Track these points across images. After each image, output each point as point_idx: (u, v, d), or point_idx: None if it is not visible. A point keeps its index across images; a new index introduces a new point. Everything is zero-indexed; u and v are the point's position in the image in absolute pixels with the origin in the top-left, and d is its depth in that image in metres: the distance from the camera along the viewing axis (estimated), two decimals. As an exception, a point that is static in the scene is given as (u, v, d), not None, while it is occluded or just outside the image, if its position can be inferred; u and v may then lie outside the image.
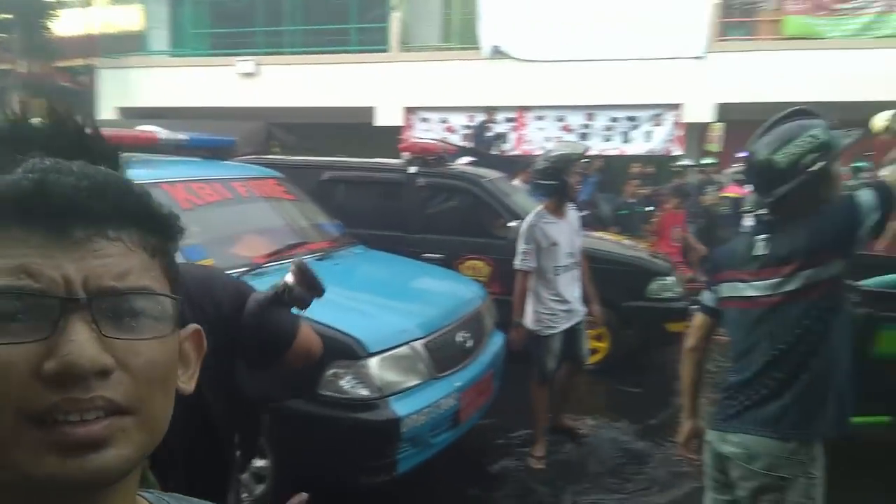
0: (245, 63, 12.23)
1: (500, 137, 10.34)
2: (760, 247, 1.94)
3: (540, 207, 3.79)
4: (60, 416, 0.43)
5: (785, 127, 1.94)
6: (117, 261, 0.48)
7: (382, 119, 11.60)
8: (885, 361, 2.21)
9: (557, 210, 3.74)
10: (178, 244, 0.55)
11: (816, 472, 1.88)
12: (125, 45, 13.98)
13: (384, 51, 11.94)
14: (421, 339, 3.17)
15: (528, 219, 3.75)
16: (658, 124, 10.72)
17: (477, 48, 11.28)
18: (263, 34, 12.92)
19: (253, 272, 3.32)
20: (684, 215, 7.41)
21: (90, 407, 0.44)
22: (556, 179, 3.64)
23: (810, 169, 1.84)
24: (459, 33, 12.21)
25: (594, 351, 5.31)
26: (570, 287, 3.78)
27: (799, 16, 10.90)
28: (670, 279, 5.25)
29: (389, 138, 11.29)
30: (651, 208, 8.11)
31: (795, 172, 1.86)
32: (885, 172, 5.14)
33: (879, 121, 4.27)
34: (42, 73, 16.01)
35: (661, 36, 10.35)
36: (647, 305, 5.15)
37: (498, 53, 11.07)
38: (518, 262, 3.69)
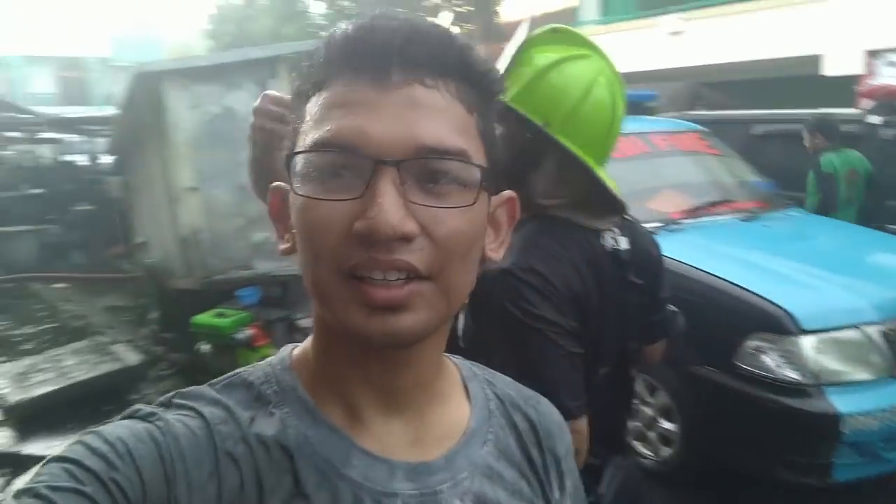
0: (672, 22, 11.78)
1: None
2: None
3: None
4: (366, 274, 0.45)
5: None
6: (432, 113, 0.47)
7: (833, 67, 9.76)
8: None
9: None
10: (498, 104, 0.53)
11: None
12: (560, 20, 14.97)
13: (839, -14, 9.97)
14: (877, 323, 2.51)
15: None
16: None
17: None
18: (693, -10, 12.20)
19: (667, 227, 3.15)
20: None
21: (390, 268, 0.45)
22: None
23: None
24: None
25: None
26: None
27: None
28: None
29: (838, 91, 9.49)
30: None
31: None
32: None
33: None
34: (494, 55, 18.63)
35: None
36: None
37: None
38: None
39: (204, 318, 3.70)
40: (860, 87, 8.41)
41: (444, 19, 18.13)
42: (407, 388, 0.53)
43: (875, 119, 4.58)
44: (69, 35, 23.79)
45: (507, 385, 0.65)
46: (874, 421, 2.38)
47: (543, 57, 1.13)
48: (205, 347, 3.78)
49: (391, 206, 0.44)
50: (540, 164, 1.13)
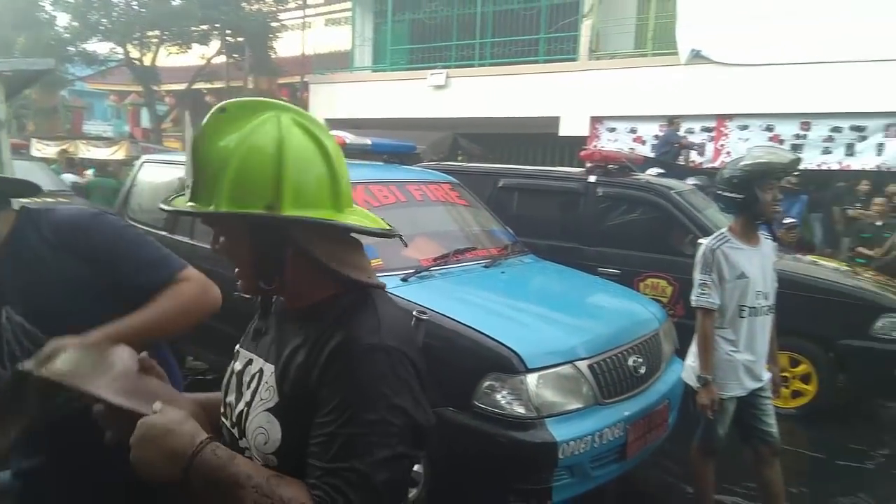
0: (436, 76, 12.70)
1: (686, 148, 9.61)
2: None
3: (724, 229, 2.99)
4: None
5: None
6: None
7: (567, 129, 11.33)
8: None
9: (746, 234, 2.90)
10: None
11: None
12: (334, 63, 15.30)
13: (573, 60, 11.68)
14: (586, 359, 2.91)
15: (708, 241, 2.93)
16: (893, 136, 9.13)
17: (673, 54, 10.57)
18: (456, 48, 13.33)
19: (419, 274, 3.34)
20: None
21: None
22: (745, 193, 2.80)
23: None
24: (655, 39, 11.56)
25: (798, 394, 4.62)
26: (758, 338, 2.93)
27: None
28: (904, 317, 4.38)
29: (574, 149, 11.05)
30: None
31: None
32: None
33: None
34: (268, 89, 18.25)
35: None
36: (870, 346, 4.34)
37: (698, 58, 10.25)
38: (695, 297, 2.90)
39: None
40: (582, 150, 9.90)
41: (213, 48, 17.34)
42: None
43: (592, 178, 5.40)
44: None
45: None
46: (584, 445, 2.74)
47: (222, 147, 0.97)
48: None
49: None
50: (306, 251, 1.01)
